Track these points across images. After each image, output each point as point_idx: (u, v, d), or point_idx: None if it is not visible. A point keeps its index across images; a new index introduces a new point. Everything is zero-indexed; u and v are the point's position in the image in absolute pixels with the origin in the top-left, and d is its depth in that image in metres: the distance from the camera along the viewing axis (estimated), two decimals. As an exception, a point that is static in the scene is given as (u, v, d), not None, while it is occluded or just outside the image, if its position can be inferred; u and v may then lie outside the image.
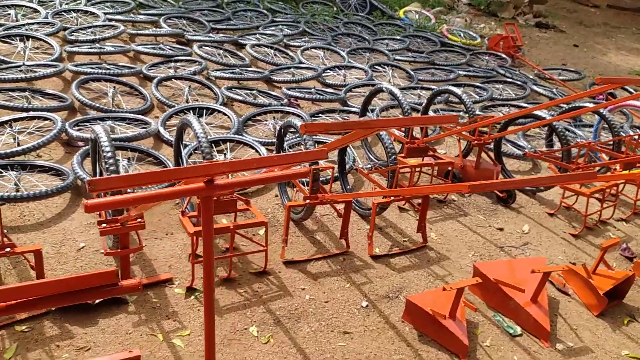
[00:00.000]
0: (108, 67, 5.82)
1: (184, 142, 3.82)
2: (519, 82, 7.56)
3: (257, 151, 4.49)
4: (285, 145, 4.09)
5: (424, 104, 5.26)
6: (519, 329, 3.12)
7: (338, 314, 3.06)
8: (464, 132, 4.57)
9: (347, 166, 4.27)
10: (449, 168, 4.63)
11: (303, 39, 8.20)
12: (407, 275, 3.48)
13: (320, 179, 3.97)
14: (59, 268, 3.09)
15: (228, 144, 4.61)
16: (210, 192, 1.32)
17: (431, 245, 3.86)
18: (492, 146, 4.97)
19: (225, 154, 4.41)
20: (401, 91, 4.55)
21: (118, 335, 2.69)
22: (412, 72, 7.43)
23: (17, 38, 6.07)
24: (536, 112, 4.37)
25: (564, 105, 5.58)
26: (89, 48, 6.20)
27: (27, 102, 4.75)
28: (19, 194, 3.47)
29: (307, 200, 3.35)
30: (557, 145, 5.00)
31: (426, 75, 7.60)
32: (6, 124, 4.31)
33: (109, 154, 2.88)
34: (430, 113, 5.75)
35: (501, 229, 4.21)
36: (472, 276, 3.42)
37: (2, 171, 3.75)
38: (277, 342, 2.80)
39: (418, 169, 4.45)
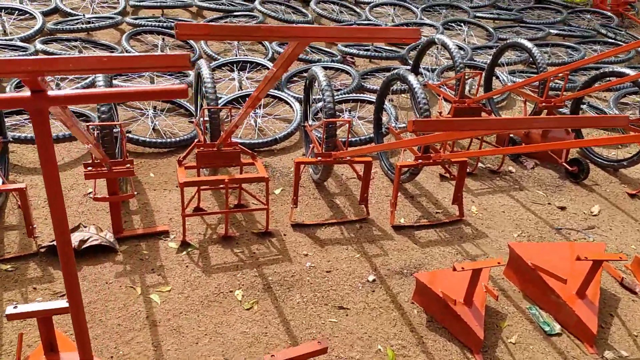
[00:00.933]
0: (165, 21, 5.77)
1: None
2: (622, 44, 6.43)
3: (291, 107, 4.18)
4: (312, 100, 3.73)
5: (489, 62, 4.58)
6: (557, 327, 2.56)
7: (338, 286, 2.71)
8: (528, 92, 3.89)
9: (384, 127, 3.81)
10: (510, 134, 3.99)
11: (375, -5, 7.64)
12: (431, 251, 3.02)
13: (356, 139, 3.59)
14: (61, 211, 3.05)
15: (263, 99, 4.33)
16: (42, 105, 1.01)
17: (469, 220, 3.33)
18: (567, 111, 4.22)
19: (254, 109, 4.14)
20: (468, 49, 3.95)
21: (97, 284, 2.58)
22: (492, 30, 6.62)
23: (87, -8, 6.24)
24: (619, 69, 3.56)
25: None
26: (151, 2, 6.21)
27: (78, 51, 4.82)
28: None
29: (319, 158, 2.99)
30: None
31: (509, 34, 6.73)
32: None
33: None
34: (501, 73, 5.03)
35: (563, 208, 3.54)
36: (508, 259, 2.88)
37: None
38: (261, 309, 2.53)
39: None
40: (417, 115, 3.15)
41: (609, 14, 7.63)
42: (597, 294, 2.60)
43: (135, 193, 3.00)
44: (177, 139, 3.72)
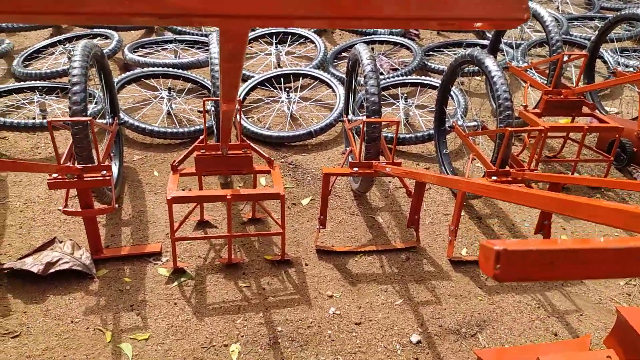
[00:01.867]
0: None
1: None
2: None
3: (334, 91, 3.42)
4: (354, 86, 2.94)
5: (593, 39, 3.56)
6: None
7: (369, 346, 2.00)
8: (650, 82, 2.90)
9: (448, 124, 2.98)
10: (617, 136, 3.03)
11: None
12: (502, 301, 2.22)
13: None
14: (40, 217, 2.53)
15: (300, 80, 3.60)
16: None
17: (557, 256, 2.48)
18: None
19: (288, 92, 3.42)
20: (563, 20, 3.00)
21: (60, 323, 2.03)
22: (594, -3, 5.43)
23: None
24: None
25: None
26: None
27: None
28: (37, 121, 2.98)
29: (355, 169, 2.24)
30: None
31: (615, 3, 5.51)
32: (60, 43, 3.89)
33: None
34: (606, 53, 3.97)
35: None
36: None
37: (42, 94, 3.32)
38: (261, 377, 1.88)
39: (562, 135, 2.96)
40: (495, 111, 2.31)
41: None
42: None
43: (117, 206, 2.42)
44: (192, 128, 3.09)
